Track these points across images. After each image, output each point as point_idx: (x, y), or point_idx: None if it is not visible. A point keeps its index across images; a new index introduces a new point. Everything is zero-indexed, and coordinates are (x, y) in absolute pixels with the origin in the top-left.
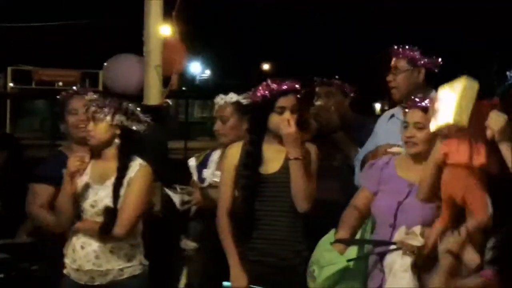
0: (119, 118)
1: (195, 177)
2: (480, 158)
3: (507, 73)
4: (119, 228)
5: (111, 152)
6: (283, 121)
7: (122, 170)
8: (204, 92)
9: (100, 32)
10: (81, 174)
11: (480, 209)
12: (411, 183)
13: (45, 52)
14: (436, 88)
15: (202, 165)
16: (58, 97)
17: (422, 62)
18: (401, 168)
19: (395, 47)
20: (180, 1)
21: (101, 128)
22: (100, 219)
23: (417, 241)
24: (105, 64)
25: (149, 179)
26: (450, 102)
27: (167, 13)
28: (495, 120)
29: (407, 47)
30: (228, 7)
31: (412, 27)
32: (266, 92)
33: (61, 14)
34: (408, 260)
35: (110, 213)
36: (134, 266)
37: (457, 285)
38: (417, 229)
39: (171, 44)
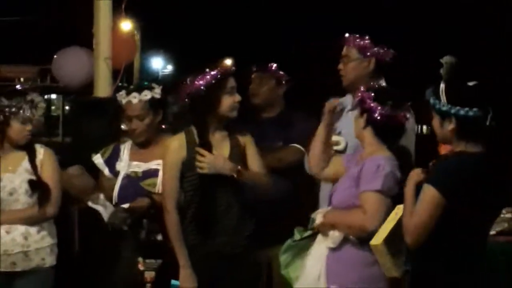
0: (32, 112)
1: (106, 172)
2: None
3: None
4: (53, 208)
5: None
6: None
7: (32, 154)
8: (165, 87)
9: (58, 26)
10: None
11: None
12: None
13: (4, 48)
14: (387, 77)
15: (111, 158)
16: None
17: (372, 51)
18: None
19: (347, 35)
20: None
21: (17, 126)
22: (20, 205)
23: (318, 221)
24: (54, 57)
25: (55, 158)
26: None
27: (119, 6)
28: None
29: (358, 36)
30: (190, 2)
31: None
32: (215, 72)
33: (15, 9)
34: (318, 241)
35: (39, 186)
36: (53, 250)
37: None
38: (322, 210)
39: (120, 37)
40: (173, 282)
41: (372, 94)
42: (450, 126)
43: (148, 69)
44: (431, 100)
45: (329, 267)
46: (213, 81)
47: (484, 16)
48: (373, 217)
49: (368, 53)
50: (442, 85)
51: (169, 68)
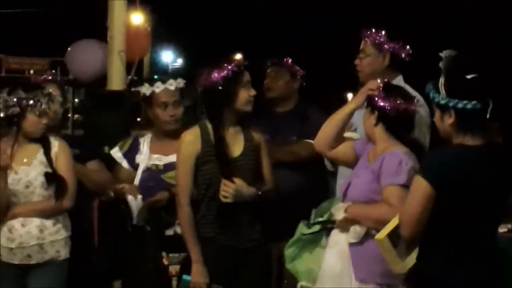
0: (48, 106)
1: (125, 165)
2: None
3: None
4: (69, 200)
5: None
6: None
7: (47, 146)
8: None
9: (69, 19)
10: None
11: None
12: (367, 164)
13: (15, 40)
14: (403, 72)
15: (130, 152)
16: None
17: (387, 47)
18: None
19: (364, 29)
20: None
21: (33, 119)
22: (36, 197)
23: (338, 215)
24: (68, 49)
25: (69, 151)
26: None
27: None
28: None
29: (373, 30)
30: None
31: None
32: (231, 66)
33: (27, 1)
34: (335, 235)
35: (55, 179)
36: (67, 243)
37: None
38: (343, 205)
39: (134, 30)
40: (184, 277)
41: (381, 91)
42: (449, 120)
43: (158, 63)
44: (431, 94)
45: (354, 262)
46: (230, 75)
47: (484, 16)
48: (399, 211)
49: (383, 48)
50: (441, 79)
51: (179, 61)
